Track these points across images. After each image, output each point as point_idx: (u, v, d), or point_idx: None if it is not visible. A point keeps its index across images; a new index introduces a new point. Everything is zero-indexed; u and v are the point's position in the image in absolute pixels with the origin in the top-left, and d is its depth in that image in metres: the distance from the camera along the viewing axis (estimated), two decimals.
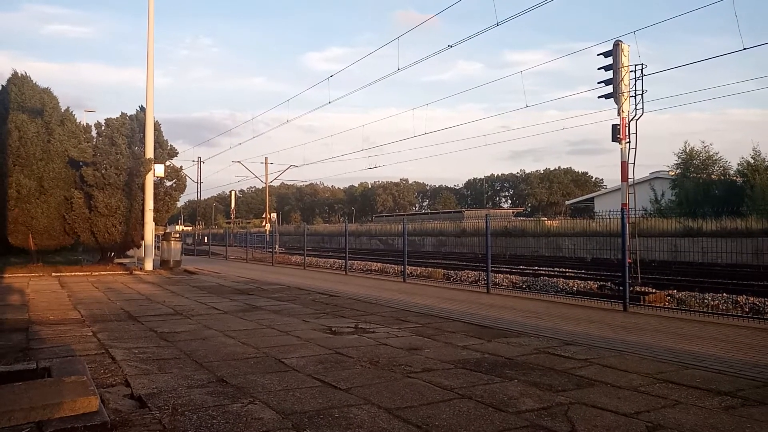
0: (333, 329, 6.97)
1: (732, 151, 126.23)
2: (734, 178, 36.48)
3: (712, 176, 37.08)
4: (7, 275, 15.07)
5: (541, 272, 18.25)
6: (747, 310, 10.85)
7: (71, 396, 3.47)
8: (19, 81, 17.72)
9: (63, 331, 6.79)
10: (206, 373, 4.72)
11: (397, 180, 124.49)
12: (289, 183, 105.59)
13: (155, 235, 19.23)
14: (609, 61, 12.70)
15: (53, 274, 15.84)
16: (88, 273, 16.43)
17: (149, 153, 17.79)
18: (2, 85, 17.90)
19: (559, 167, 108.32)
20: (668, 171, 40.22)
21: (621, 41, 12.54)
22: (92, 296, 10.79)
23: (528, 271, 18.66)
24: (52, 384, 3.83)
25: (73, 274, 16.08)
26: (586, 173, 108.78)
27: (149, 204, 17.68)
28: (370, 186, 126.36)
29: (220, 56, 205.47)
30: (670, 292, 12.24)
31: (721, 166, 38.02)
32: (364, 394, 4.12)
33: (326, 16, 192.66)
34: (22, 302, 9.73)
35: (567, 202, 76.37)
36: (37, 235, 17.24)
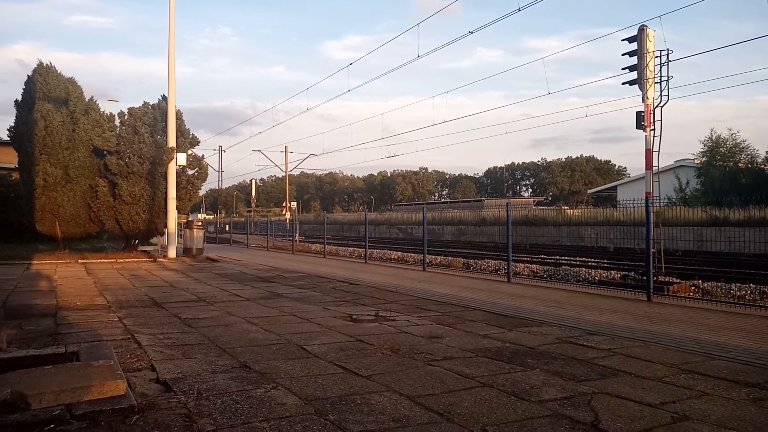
0: (354, 317, 7.00)
1: (760, 139, 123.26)
2: (762, 166, 35.60)
3: (739, 164, 36.20)
4: (35, 262, 15.42)
5: (563, 261, 18.08)
6: None
7: (99, 379, 3.54)
8: (44, 71, 17.99)
9: (90, 317, 6.93)
10: (230, 359, 4.78)
11: (416, 169, 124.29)
12: (308, 172, 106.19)
13: (178, 223, 19.49)
14: (633, 46, 12.43)
15: (79, 260, 16.17)
16: (113, 260, 16.73)
17: (171, 142, 17.97)
18: (28, 75, 18.20)
19: (581, 155, 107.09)
20: (693, 159, 39.38)
21: (646, 26, 12.25)
22: (117, 283, 10.99)
23: (549, 261, 18.50)
24: (80, 368, 3.91)
25: (98, 261, 16.39)
26: (609, 161, 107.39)
27: (172, 192, 17.89)
28: (389, 175, 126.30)
29: (239, 46, 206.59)
30: (695, 282, 12.03)
31: (748, 154, 37.11)
32: (386, 381, 4.13)
33: (345, 4, 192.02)
34: (50, 288, 9.96)
35: (589, 191, 75.43)
36: (63, 222, 17.58)
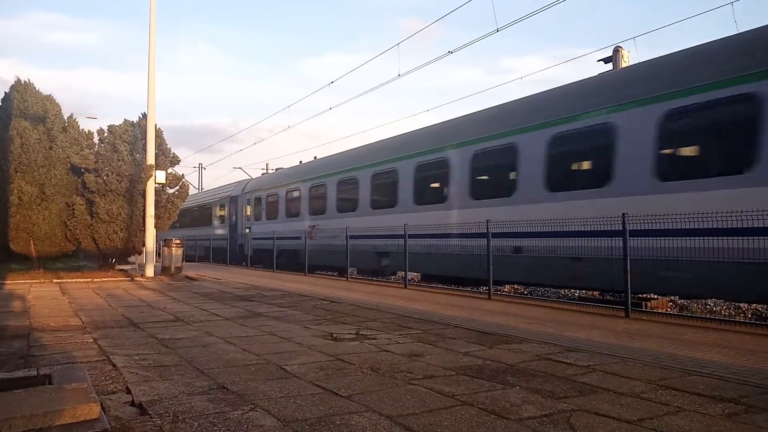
0: (334, 336, 6.95)
1: None
2: None
3: None
4: (8, 282, 15.07)
5: None
6: (750, 315, 10.82)
7: (72, 403, 3.46)
8: (21, 88, 17.79)
9: (64, 338, 6.78)
10: (207, 380, 4.71)
11: None
12: None
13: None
14: (609, 67, 12.74)
15: (54, 280, 15.85)
16: (89, 279, 16.42)
17: (150, 159, 17.83)
18: (5, 92, 18.00)
19: None
20: None
21: (621, 47, 12.59)
22: (93, 303, 10.79)
23: None
24: (53, 391, 3.82)
25: (74, 280, 16.08)
26: None
27: (150, 210, 17.70)
28: None
29: (220, 63, 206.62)
30: (672, 298, 12.21)
31: None
32: (366, 401, 4.10)
33: (326, 23, 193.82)
34: (23, 309, 9.73)
35: None
36: (38, 241, 17.25)
